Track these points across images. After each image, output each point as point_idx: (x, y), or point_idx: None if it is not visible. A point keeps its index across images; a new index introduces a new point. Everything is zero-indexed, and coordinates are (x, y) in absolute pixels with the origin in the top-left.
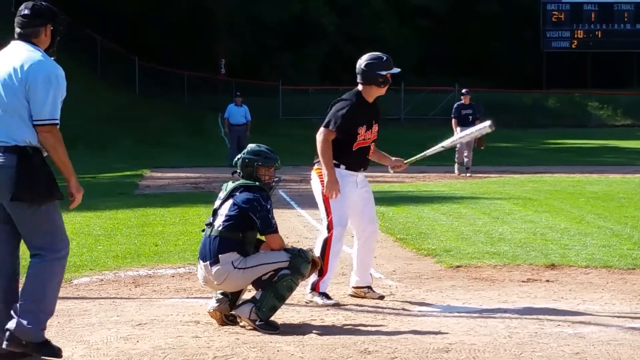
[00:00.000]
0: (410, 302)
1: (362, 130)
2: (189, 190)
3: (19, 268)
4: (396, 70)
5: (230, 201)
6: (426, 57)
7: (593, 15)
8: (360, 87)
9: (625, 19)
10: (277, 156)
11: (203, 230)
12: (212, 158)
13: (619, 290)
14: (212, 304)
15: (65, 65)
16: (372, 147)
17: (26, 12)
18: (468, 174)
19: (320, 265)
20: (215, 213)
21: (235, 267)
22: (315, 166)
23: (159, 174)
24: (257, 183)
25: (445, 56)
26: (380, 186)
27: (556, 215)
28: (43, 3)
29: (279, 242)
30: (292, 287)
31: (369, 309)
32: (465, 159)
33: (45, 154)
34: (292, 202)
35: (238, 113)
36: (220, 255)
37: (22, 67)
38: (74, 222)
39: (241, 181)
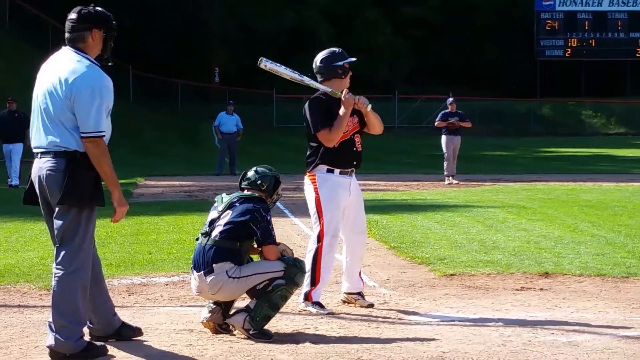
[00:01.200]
0: (404, 311)
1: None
2: (183, 198)
3: (99, 267)
4: (352, 59)
5: (229, 212)
6: (420, 66)
7: (587, 24)
8: (324, 85)
9: (619, 28)
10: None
11: (197, 239)
12: (206, 166)
13: (612, 299)
14: (205, 314)
15: None
16: (357, 139)
17: (72, 16)
18: (455, 182)
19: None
20: (212, 223)
21: (229, 277)
22: (309, 173)
23: (152, 183)
24: (256, 194)
25: (440, 65)
26: (374, 194)
27: (550, 223)
28: (92, 7)
29: (276, 253)
30: (286, 297)
31: (363, 317)
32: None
33: None
34: (286, 211)
35: (229, 121)
36: (214, 265)
37: (67, 79)
38: None
39: (238, 193)
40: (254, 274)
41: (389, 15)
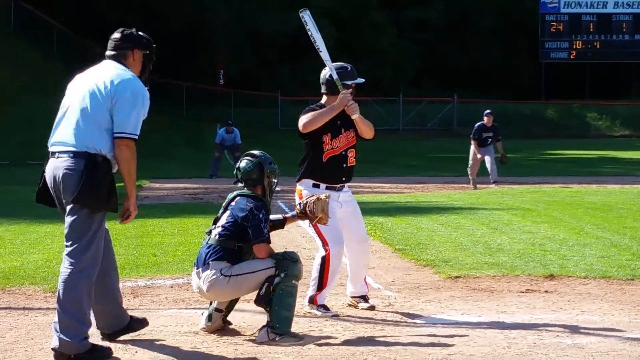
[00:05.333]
0: (409, 313)
1: (326, 138)
2: (188, 201)
3: (112, 268)
4: (360, 80)
5: (228, 211)
6: (425, 68)
7: (591, 26)
8: (324, 98)
9: (624, 30)
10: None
11: (204, 238)
12: (209, 169)
13: (617, 301)
14: (205, 322)
15: (63, 77)
16: (351, 154)
17: (116, 35)
18: (495, 186)
19: None
20: (215, 221)
21: (222, 275)
22: (297, 186)
23: (157, 185)
24: (251, 193)
25: (444, 68)
26: (379, 197)
27: (555, 225)
28: (134, 30)
29: (267, 251)
30: (291, 292)
31: (368, 319)
32: (490, 176)
33: (115, 169)
34: (291, 213)
35: (228, 138)
36: (211, 262)
37: (112, 81)
38: None
39: (238, 190)
40: (245, 272)
41: (393, 17)
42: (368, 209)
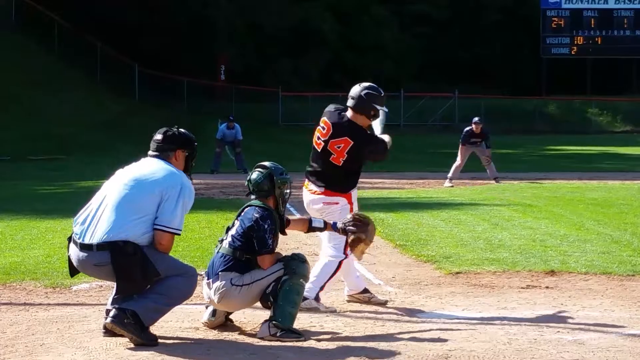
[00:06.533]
0: (410, 309)
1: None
2: None
3: None
4: (385, 109)
5: (238, 221)
6: (426, 63)
7: (593, 22)
8: (350, 112)
9: (625, 25)
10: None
11: (216, 246)
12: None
13: (618, 297)
14: (208, 316)
15: (65, 72)
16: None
17: (158, 137)
18: (498, 182)
19: None
20: (227, 230)
21: (232, 284)
22: (327, 191)
23: None
24: (260, 203)
25: (446, 63)
26: (380, 192)
27: (556, 221)
28: (177, 130)
29: (271, 262)
30: (297, 290)
31: (369, 315)
32: (488, 170)
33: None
34: (292, 209)
35: (230, 134)
36: (220, 273)
37: (165, 176)
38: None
39: (250, 202)
40: (255, 280)
41: (395, 12)
42: (369, 205)
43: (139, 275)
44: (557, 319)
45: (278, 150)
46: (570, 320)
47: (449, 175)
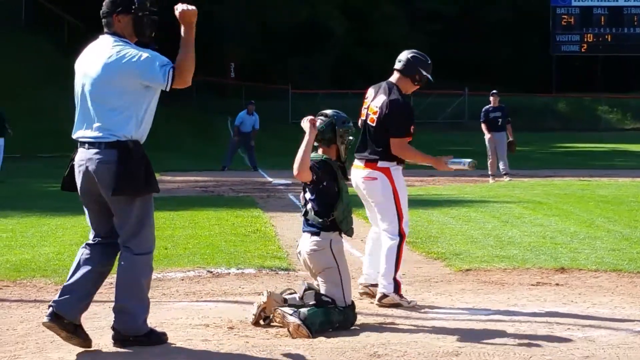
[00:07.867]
0: (420, 306)
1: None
2: (199, 194)
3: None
4: (430, 78)
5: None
6: (436, 60)
7: (603, 19)
8: (396, 75)
9: (635, 23)
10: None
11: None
12: (221, 162)
13: (628, 294)
14: (264, 296)
15: (74, 69)
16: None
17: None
18: (507, 179)
19: None
20: (305, 204)
21: (330, 247)
22: (378, 164)
23: (168, 178)
24: (322, 157)
25: (455, 60)
26: None
27: (566, 218)
28: None
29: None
30: (333, 320)
31: (379, 312)
32: (502, 167)
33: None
34: (297, 202)
35: (248, 122)
36: (322, 232)
37: (112, 59)
38: (83, 225)
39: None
40: (338, 267)
41: (405, 9)
42: None
43: (142, 181)
44: (567, 316)
45: (287, 147)
46: (580, 318)
47: (489, 172)
